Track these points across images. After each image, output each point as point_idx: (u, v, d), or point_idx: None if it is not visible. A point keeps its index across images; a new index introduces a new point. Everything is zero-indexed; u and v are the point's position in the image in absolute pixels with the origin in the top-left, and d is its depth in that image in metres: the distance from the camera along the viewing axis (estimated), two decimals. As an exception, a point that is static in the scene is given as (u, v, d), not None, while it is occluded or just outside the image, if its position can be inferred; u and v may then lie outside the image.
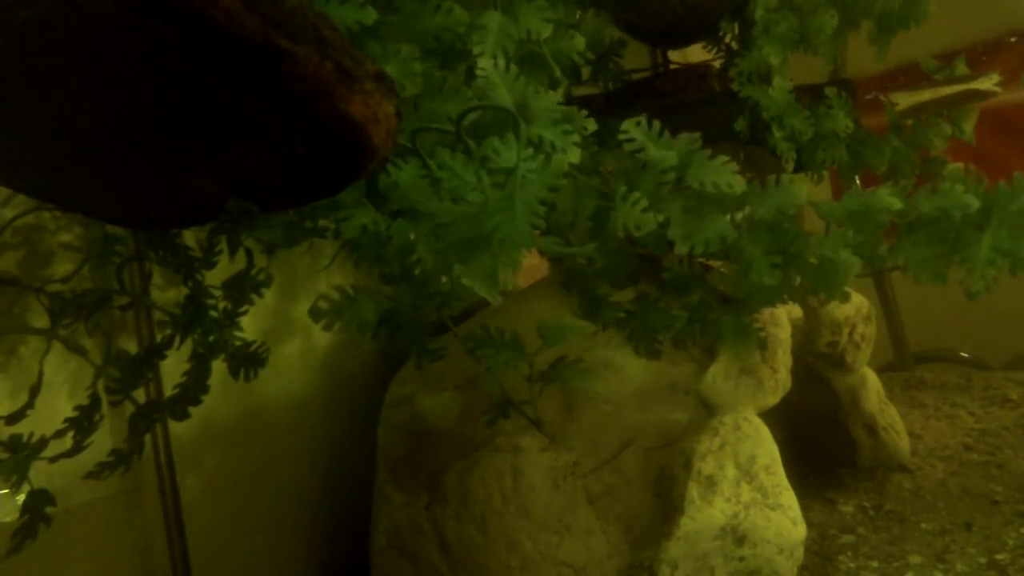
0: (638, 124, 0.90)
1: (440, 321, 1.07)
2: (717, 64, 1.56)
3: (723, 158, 0.91)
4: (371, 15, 0.79)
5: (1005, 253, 0.91)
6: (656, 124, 0.91)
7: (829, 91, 1.49)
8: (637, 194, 0.85)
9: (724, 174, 0.89)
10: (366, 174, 0.71)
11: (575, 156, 0.82)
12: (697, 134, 0.91)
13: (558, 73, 0.99)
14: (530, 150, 0.78)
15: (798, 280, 0.96)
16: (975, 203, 0.92)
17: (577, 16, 1.23)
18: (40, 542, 1.04)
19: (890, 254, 0.95)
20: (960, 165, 0.97)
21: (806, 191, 0.95)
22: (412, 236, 0.80)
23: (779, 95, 1.40)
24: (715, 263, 1.11)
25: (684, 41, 1.67)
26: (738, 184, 0.88)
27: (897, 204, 0.93)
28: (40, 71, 0.68)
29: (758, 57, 1.41)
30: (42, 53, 0.65)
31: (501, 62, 0.83)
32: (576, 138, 0.83)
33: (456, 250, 0.71)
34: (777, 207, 0.92)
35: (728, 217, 0.91)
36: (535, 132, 0.81)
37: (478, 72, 0.83)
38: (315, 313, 0.97)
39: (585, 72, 1.42)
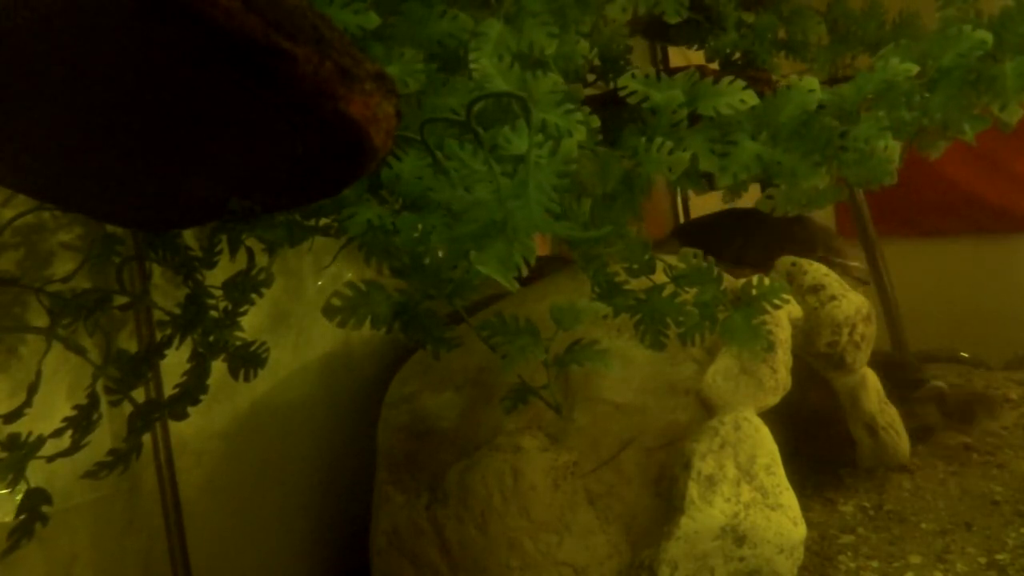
0: (633, 76, 0.91)
1: (452, 313, 1.07)
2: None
3: (728, 78, 0.91)
4: (373, 20, 0.78)
5: None
6: (652, 71, 0.91)
7: None
8: (659, 139, 0.85)
9: (734, 94, 0.89)
10: (366, 173, 0.71)
11: (582, 134, 0.82)
12: (693, 67, 0.92)
13: (558, 78, 0.99)
14: (540, 136, 0.78)
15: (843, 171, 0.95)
16: (989, 38, 0.91)
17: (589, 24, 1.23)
18: (39, 542, 1.04)
19: (924, 114, 0.94)
20: None
21: (818, 85, 0.93)
22: (419, 227, 0.80)
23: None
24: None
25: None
26: (750, 98, 0.88)
27: (914, 68, 0.92)
28: (41, 71, 0.68)
29: (735, 38, 1.42)
30: (43, 53, 0.65)
31: (496, 59, 0.83)
32: (580, 116, 0.83)
33: (471, 238, 0.71)
34: (796, 108, 0.91)
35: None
36: (538, 116, 0.81)
37: (472, 67, 0.83)
38: (329, 311, 0.97)
39: (590, 77, 1.42)
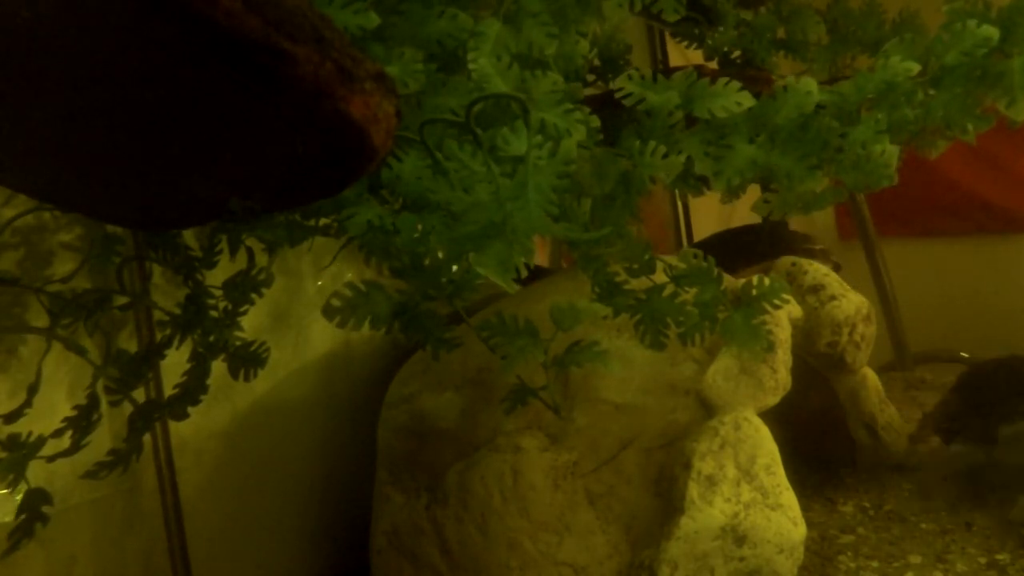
0: (629, 78, 0.90)
1: (452, 314, 1.07)
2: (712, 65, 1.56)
3: (724, 80, 0.90)
4: (373, 20, 0.78)
5: None
6: (648, 73, 0.91)
7: None
8: (653, 143, 0.85)
9: (729, 96, 0.88)
10: (366, 174, 0.71)
11: (581, 134, 0.82)
12: (691, 67, 0.91)
13: (558, 78, 0.99)
14: (539, 137, 0.78)
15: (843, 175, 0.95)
16: (995, 33, 0.89)
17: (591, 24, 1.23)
18: (40, 542, 1.04)
19: (927, 115, 0.93)
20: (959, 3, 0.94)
21: (816, 87, 0.93)
22: (420, 227, 0.80)
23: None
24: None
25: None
26: (746, 100, 0.87)
27: (915, 67, 0.91)
28: (39, 71, 0.68)
29: (732, 35, 1.42)
30: (42, 53, 0.65)
31: (494, 59, 0.83)
32: (580, 116, 0.83)
33: (470, 239, 0.71)
34: (794, 110, 0.90)
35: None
36: (538, 116, 0.80)
37: (470, 67, 0.83)
38: (329, 311, 0.97)
39: (590, 77, 1.42)
